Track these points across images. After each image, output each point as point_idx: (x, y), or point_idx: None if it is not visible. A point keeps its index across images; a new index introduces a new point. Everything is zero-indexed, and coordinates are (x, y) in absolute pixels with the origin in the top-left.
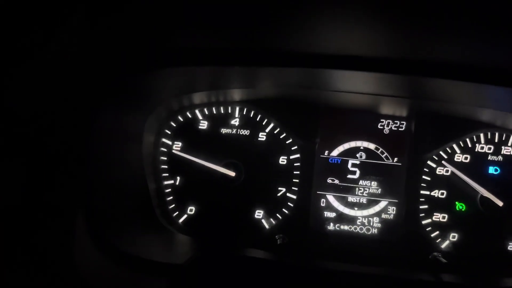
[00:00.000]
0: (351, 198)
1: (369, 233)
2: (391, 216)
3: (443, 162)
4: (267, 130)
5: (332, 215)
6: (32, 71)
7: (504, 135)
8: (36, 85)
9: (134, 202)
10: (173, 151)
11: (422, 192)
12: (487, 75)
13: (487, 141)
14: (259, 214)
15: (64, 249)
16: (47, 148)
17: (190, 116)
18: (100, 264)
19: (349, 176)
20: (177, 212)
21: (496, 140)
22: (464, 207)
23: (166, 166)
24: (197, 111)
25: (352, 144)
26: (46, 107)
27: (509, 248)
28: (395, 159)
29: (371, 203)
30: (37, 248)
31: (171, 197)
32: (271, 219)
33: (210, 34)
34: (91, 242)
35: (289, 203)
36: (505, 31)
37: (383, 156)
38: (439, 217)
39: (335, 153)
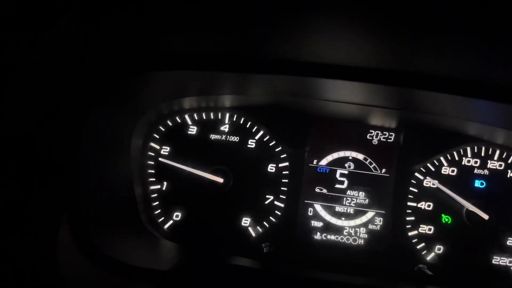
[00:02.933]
0: (338, 208)
1: (355, 243)
2: (378, 227)
3: (427, 177)
4: (256, 137)
5: (319, 224)
6: (21, 73)
7: (491, 149)
8: (25, 87)
9: (120, 207)
10: (160, 158)
11: (409, 203)
12: (475, 89)
13: (474, 155)
14: (246, 221)
15: (48, 253)
16: (34, 151)
17: (179, 120)
18: (84, 269)
19: (337, 185)
20: (162, 218)
21: (482, 154)
22: (450, 220)
23: (153, 171)
24: (186, 116)
25: (341, 153)
26: (35, 109)
27: (493, 261)
28: (383, 170)
29: (358, 213)
30: (20, 252)
31: (157, 202)
32: (258, 227)
33: (202, 40)
34: (75, 246)
35: (276, 211)
36: (494, 46)
37: (371, 166)
38: (425, 229)
39: (323, 162)
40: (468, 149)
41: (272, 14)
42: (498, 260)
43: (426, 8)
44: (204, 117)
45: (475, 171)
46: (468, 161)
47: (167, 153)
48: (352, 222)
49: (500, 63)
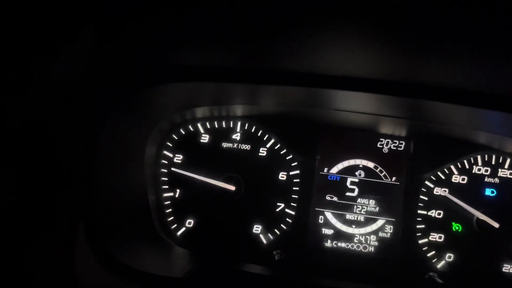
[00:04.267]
0: (349, 216)
1: (366, 251)
2: (388, 235)
3: (435, 189)
4: (267, 146)
5: (330, 232)
6: (39, 85)
7: (501, 157)
8: (43, 99)
9: (134, 214)
10: (173, 168)
11: (419, 211)
12: (484, 100)
13: (484, 163)
14: (257, 229)
15: (64, 260)
16: (51, 160)
17: (192, 129)
18: (99, 276)
19: (348, 193)
20: (175, 225)
21: (493, 162)
22: (460, 228)
23: (166, 179)
24: (199, 125)
25: (352, 162)
26: (52, 121)
27: (504, 270)
28: (394, 178)
29: (368, 221)
30: (37, 259)
31: (170, 210)
32: (269, 235)
33: (215, 52)
34: (91, 253)
35: (287, 219)
36: (503, 57)
37: (381, 175)
38: (435, 237)
39: (334, 170)
40: (479, 157)
41: (283, 27)
42: (509, 268)
43: (436, 19)
44: (216, 126)
45: (486, 179)
46: (479, 170)
47: (180, 161)
48: (363, 230)
49: (508, 74)
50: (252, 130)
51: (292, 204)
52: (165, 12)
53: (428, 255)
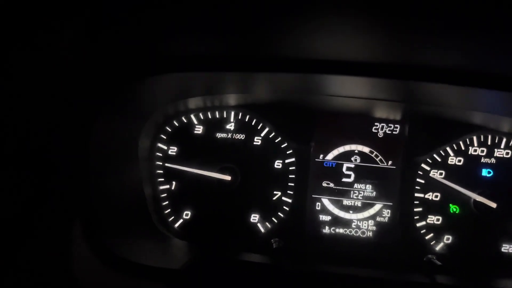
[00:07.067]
0: (346, 202)
1: (364, 236)
2: (386, 219)
3: (432, 171)
4: (262, 134)
5: (327, 218)
6: (28, 79)
7: (497, 137)
8: (31, 96)
9: (131, 207)
10: (167, 164)
11: (416, 195)
12: (479, 79)
13: (480, 144)
14: (254, 218)
15: (62, 255)
16: (45, 156)
17: (185, 121)
18: (97, 270)
19: (344, 179)
20: (173, 217)
21: (489, 143)
22: (458, 210)
23: (162, 171)
24: (192, 116)
25: (347, 147)
26: (44, 115)
27: (503, 250)
28: (390, 162)
29: (366, 206)
30: (34, 254)
31: (167, 202)
32: (267, 223)
33: (206, 41)
34: (88, 248)
35: (284, 207)
36: (496, 36)
37: (377, 159)
38: (433, 219)
39: (330, 156)
40: (474, 138)
41: (274, 12)
42: (508, 248)
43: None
44: (210, 116)
45: (482, 160)
46: (475, 150)
47: (174, 153)
48: (360, 215)
49: (502, 53)
50: (246, 119)
51: (288, 192)
52: (154, 2)
53: (426, 237)
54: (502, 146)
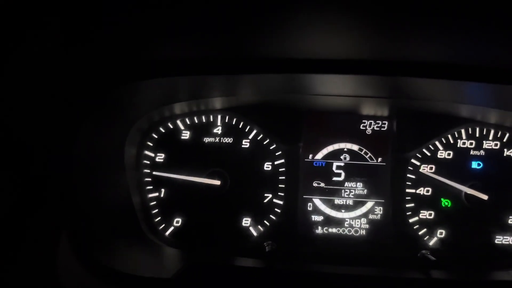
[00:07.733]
0: (337, 201)
1: (357, 234)
2: (378, 216)
3: (422, 166)
4: (250, 137)
5: (319, 218)
6: (10, 88)
7: (485, 129)
8: (16, 102)
9: (119, 217)
10: (154, 172)
11: (407, 190)
12: (464, 72)
13: (469, 136)
14: (246, 222)
15: (48, 267)
16: (30, 165)
17: (171, 126)
18: (86, 281)
19: (335, 178)
20: (163, 225)
21: (477, 135)
22: (449, 203)
23: (150, 179)
24: (178, 121)
25: (336, 146)
26: (27, 122)
27: (496, 241)
28: (379, 159)
29: (357, 204)
30: (20, 266)
31: (157, 210)
32: (259, 226)
33: (189, 44)
34: (76, 259)
35: (276, 209)
36: (480, 29)
37: (367, 156)
38: (425, 214)
39: (319, 156)
40: (463, 131)
41: (256, 12)
42: (501, 239)
43: None
44: (196, 121)
45: (471, 152)
46: (464, 143)
47: (162, 160)
48: (352, 214)
49: (488, 45)
50: (233, 123)
51: (279, 193)
52: (137, 8)
53: (420, 233)
54: (491, 138)
